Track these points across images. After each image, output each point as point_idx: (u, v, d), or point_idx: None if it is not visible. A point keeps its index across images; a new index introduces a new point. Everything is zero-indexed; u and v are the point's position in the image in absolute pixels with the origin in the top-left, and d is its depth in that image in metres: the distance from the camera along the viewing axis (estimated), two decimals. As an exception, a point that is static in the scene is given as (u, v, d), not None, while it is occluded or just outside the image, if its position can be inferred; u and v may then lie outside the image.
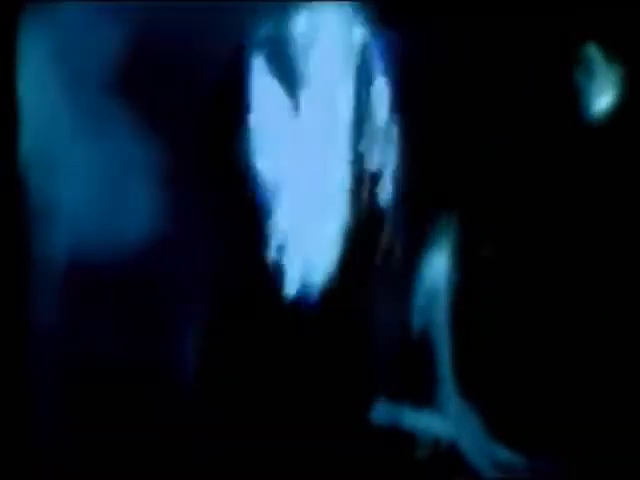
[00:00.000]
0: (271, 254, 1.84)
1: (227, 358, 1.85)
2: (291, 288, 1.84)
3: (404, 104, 1.84)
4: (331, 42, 1.84)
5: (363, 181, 1.85)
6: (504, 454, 1.82)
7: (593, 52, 1.83)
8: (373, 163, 1.85)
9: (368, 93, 1.84)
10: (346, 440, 1.83)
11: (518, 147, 1.84)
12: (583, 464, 1.80)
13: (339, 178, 1.85)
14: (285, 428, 1.83)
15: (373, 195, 1.86)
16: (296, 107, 1.84)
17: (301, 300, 1.85)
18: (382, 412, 1.84)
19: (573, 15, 1.81)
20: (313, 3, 1.84)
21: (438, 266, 1.86)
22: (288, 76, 1.84)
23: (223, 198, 1.83)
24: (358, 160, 1.85)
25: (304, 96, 1.84)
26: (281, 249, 1.84)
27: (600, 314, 1.82)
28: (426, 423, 1.84)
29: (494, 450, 1.83)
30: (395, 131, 1.84)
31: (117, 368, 1.81)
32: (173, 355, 1.81)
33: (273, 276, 1.83)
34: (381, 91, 1.84)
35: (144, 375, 1.82)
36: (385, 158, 1.84)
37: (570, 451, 1.81)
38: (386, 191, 1.85)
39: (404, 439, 1.84)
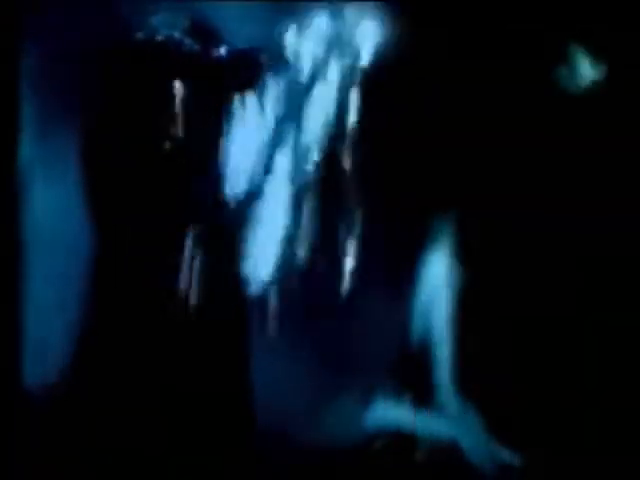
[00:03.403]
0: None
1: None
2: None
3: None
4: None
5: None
6: (504, 454, 1.83)
7: (576, 52, 1.84)
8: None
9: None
10: (347, 440, 1.84)
11: (510, 144, 1.84)
12: (580, 463, 1.81)
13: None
14: (285, 430, 1.84)
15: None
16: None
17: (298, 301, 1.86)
18: (382, 413, 1.85)
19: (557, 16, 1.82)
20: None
21: (438, 269, 1.87)
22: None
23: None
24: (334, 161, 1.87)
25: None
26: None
27: (597, 317, 1.83)
28: (426, 424, 1.85)
29: (494, 450, 1.83)
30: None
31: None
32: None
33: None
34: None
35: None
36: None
37: (567, 450, 1.81)
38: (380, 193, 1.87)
39: (404, 439, 1.84)
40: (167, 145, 1.84)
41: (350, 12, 1.86)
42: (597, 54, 1.83)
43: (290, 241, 1.86)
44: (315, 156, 1.87)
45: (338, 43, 1.87)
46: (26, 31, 1.81)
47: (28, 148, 1.83)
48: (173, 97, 1.83)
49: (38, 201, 1.83)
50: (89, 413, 1.80)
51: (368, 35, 1.86)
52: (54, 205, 1.84)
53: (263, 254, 1.87)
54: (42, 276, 1.83)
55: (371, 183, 1.88)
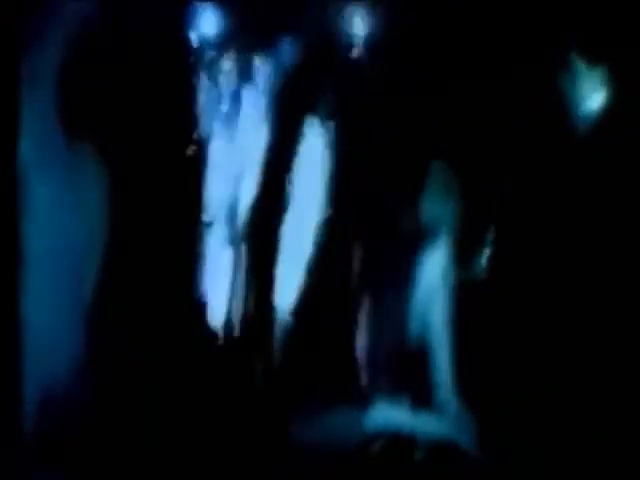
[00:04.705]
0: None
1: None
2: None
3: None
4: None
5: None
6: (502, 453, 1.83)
7: (577, 58, 1.84)
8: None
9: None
10: (346, 441, 1.84)
11: (511, 147, 1.84)
12: (578, 463, 1.81)
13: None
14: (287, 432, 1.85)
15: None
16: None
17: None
18: (382, 414, 1.85)
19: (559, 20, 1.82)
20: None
21: (435, 270, 1.87)
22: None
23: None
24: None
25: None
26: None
27: (596, 317, 1.83)
28: (425, 425, 1.85)
29: (492, 449, 1.83)
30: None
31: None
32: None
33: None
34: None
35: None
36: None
37: (564, 451, 1.82)
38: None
39: (403, 440, 1.85)
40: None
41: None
42: (597, 60, 1.83)
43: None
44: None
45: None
46: (26, 31, 1.82)
47: (28, 148, 1.84)
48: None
49: (38, 201, 1.84)
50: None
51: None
52: (54, 205, 1.85)
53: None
54: (42, 276, 1.84)
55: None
